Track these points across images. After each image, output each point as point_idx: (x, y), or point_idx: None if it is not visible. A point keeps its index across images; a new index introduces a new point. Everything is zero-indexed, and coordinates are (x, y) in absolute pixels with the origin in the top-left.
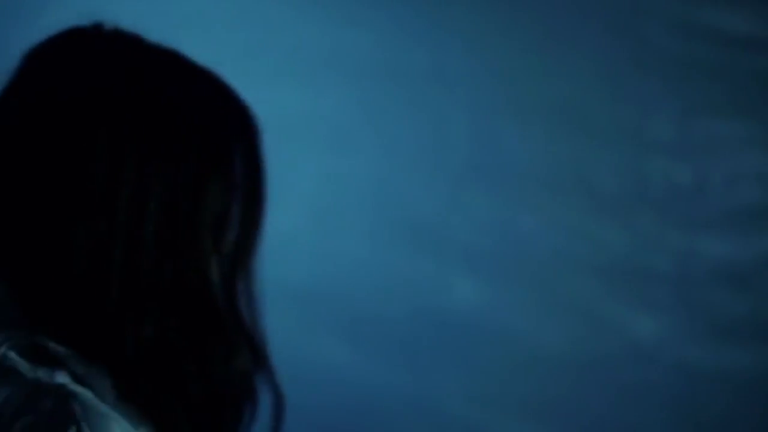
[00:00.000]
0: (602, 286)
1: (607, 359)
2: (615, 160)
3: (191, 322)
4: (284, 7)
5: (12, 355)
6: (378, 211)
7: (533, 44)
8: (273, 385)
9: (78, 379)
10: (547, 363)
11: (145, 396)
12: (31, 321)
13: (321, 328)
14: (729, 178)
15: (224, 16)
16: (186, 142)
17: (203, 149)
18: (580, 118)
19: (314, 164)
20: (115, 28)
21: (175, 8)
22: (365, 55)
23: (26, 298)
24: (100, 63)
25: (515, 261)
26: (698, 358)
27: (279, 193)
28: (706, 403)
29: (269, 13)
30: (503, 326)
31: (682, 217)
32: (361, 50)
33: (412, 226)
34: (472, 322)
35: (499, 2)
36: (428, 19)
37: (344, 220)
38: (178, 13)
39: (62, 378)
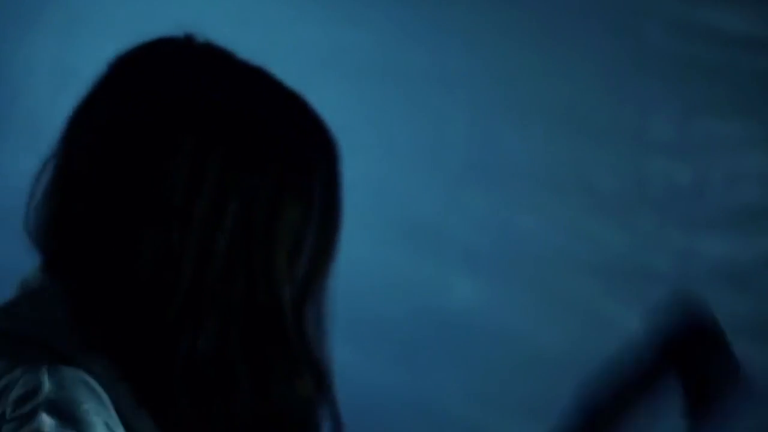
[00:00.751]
0: (601, 285)
1: (607, 358)
2: (614, 159)
3: (255, 339)
4: (283, 7)
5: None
6: (377, 211)
7: (532, 44)
8: (333, 414)
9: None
10: (546, 362)
11: (178, 408)
12: (80, 322)
13: None
14: (729, 178)
15: (223, 17)
16: (268, 158)
17: (284, 167)
18: (579, 118)
19: None
20: (206, 41)
21: (174, 8)
22: (365, 55)
23: (82, 299)
24: (189, 73)
25: (514, 260)
26: None
27: None
28: None
29: (268, 13)
30: (502, 326)
31: (682, 217)
32: (361, 50)
33: (411, 225)
34: (472, 322)
35: (498, 2)
36: (428, 20)
37: (343, 219)
38: (177, 13)
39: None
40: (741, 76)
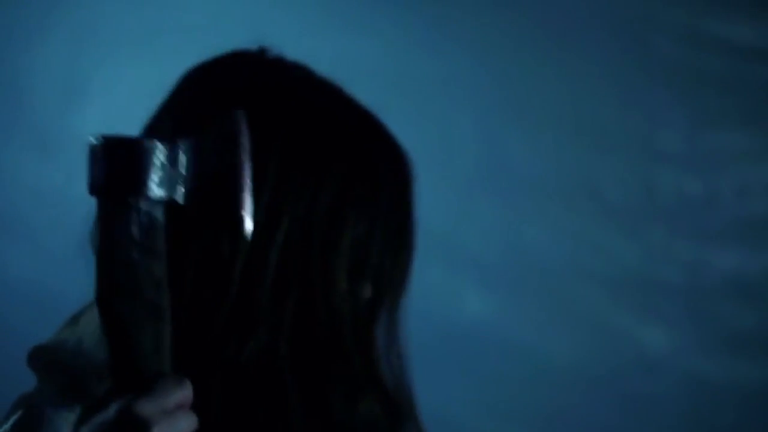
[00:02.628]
0: (611, 297)
1: (616, 370)
2: (624, 170)
3: (310, 355)
4: (289, 14)
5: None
6: None
7: (542, 54)
8: None
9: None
10: (554, 374)
11: (211, 417)
12: None
13: None
14: (739, 189)
15: (231, 25)
16: (327, 171)
17: (347, 181)
18: (589, 129)
19: None
20: (279, 55)
21: (182, 16)
22: (372, 62)
23: None
24: (253, 85)
25: (523, 271)
26: (708, 370)
27: None
28: (715, 415)
29: (274, 21)
30: (511, 336)
31: (692, 229)
32: (368, 58)
33: (419, 235)
34: (480, 332)
35: (506, 10)
36: (435, 27)
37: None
38: (179, 16)
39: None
40: (750, 88)
